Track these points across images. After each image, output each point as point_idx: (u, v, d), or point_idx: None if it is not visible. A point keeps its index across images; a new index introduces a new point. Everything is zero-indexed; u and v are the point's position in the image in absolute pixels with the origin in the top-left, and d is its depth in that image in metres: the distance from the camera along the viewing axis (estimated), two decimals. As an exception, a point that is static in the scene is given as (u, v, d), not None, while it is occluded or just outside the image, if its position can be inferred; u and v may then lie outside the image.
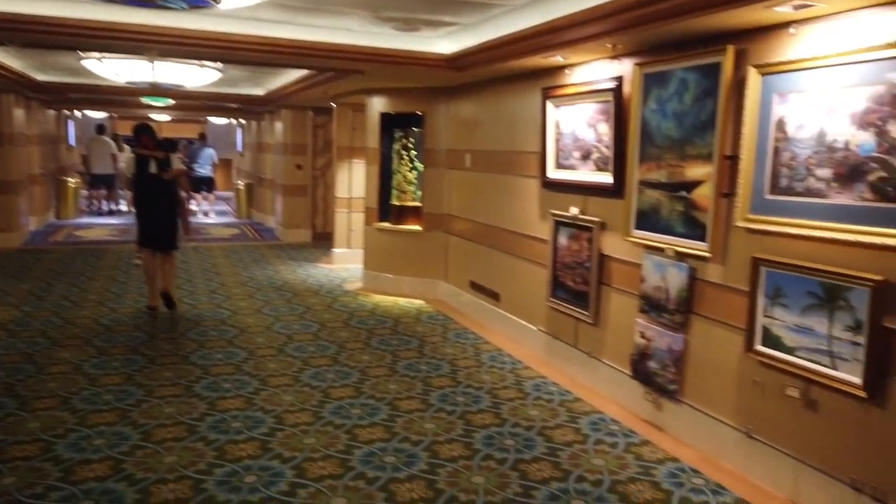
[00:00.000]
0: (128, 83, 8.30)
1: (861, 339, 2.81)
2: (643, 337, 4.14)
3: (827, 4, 2.86)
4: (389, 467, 3.44)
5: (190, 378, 4.68)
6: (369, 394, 4.49)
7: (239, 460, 3.48)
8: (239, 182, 15.60)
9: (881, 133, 2.73)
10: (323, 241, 11.09)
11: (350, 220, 9.48)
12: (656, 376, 4.03)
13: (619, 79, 4.29)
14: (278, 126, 11.83)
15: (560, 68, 4.98)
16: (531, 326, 5.55)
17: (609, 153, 4.46)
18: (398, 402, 4.34)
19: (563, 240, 5.02)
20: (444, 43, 5.59)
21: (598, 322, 4.67)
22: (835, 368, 2.93)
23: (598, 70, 4.59)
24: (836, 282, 2.91)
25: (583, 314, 4.78)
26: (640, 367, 4.17)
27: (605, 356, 4.61)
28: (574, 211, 4.88)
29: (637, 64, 4.08)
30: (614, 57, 4.38)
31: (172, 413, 4.06)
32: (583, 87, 4.70)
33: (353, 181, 9.42)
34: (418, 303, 7.23)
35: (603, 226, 4.59)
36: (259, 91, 10.81)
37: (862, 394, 2.81)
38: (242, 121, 15.78)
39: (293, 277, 8.46)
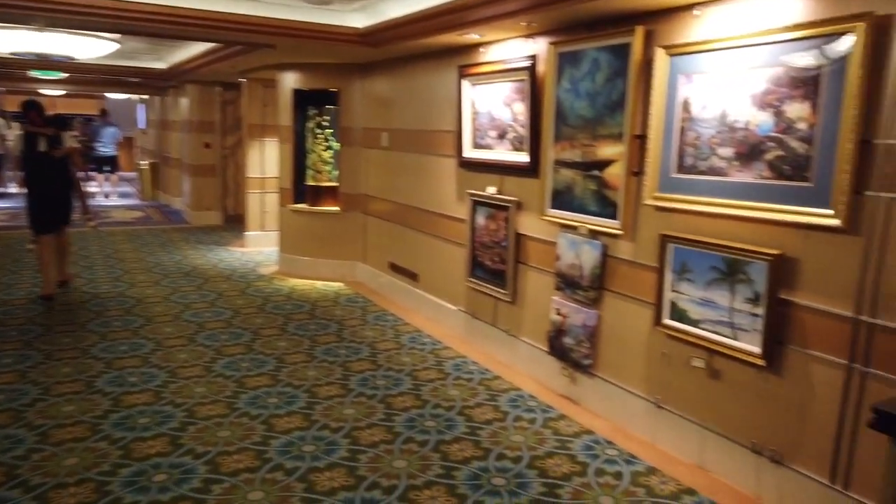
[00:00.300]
0: (12, 54, 7.61)
1: (759, 311, 2.96)
2: (559, 314, 4.22)
3: (728, -12, 2.94)
4: (308, 457, 3.36)
5: (91, 373, 4.40)
6: (286, 381, 4.37)
7: (147, 458, 3.30)
8: (142, 162, 14.77)
9: (778, 113, 2.86)
10: (235, 223, 10.69)
11: (263, 202, 9.16)
12: (572, 352, 4.13)
13: (534, 58, 4.31)
14: (183, 102, 11.23)
15: (476, 46, 4.94)
16: (451, 306, 5.56)
17: (525, 132, 4.49)
18: (317, 389, 4.25)
19: (480, 219, 5.03)
20: (357, 17, 5.43)
21: (515, 300, 4.73)
22: (736, 339, 3.08)
23: (513, 49, 4.58)
24: (737, 256, 3.05)
25: (501, 293, 4.83)
26: (557, 344, 4.26)
27: (523, 334, 4.68)
28: (491, 190, 4.89)
29: (551, 43, 4.10)
30: (529, 35, 4.39)
31: (72, 412, 3.81)
32: (498, 65, 4.69)
33: (266, 161, 9.09)
34: (336, 285, 7.10)
35: (519, 205, 4.62)
36: (161, 65, 10.21)
37: (761, 362, 2.97)
38: (144, 96, 14.89)
39: (203, 262, 8.10)
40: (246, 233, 9.22)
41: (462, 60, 5.11)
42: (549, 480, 3.19)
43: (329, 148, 7.44)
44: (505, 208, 4.73)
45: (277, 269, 7.73)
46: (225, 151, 11.04)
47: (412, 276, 6.22)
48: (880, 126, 2.53)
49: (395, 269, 6.53)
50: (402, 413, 3.92)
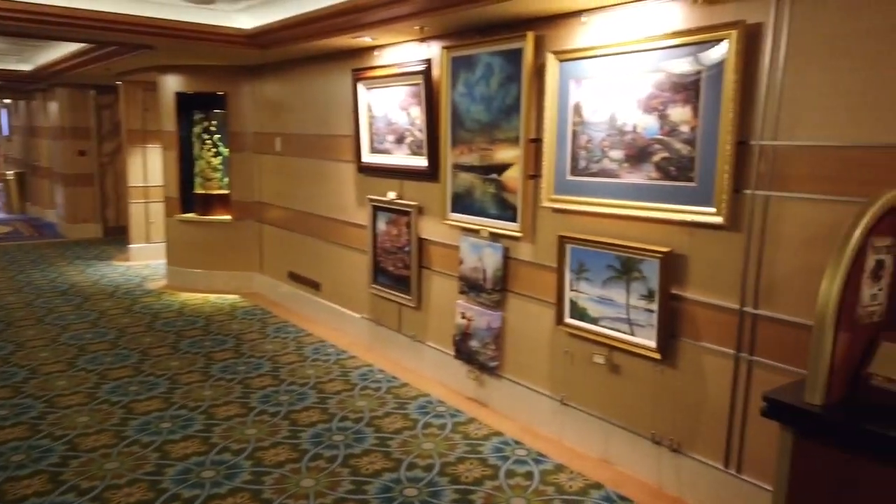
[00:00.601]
0: None
1: (654, 307, 3.09)
2: (464, 317, 4.23)
3: (614, -4, 3.05)
4: (208, 483, 3.16)
5: (-49, 410, 3.94)
6: (181, 404, 4.10)
7: (23, 500, 2.98)
8: (7, 172, 13.50)
9: (663, 117, 3.00)
10: (117, 235, 9.99)
11: (148, 212, 8.61)
12: (478, 354, 4.15)
13: (429, 62, 4.29)
14: (53, 107, 10.35)
15: (370, 49, 4.86)
16: (354, 314, 5.45)
17: (423, 137, 4.46)
18: (214, 410, 4.02)
19: (382, 225, 4.96)
20: (244, 18, 5.20)
21: (420, 306, 4.70)
22: (633, 334, 3.20)
23: (408, 52, 4.54)
24: (631, 255, 3.17)
25: (405, 299, 4.78)
26: (463, 347, 4.26)
27: (429, 339, 4.65)
28: (391, 195, 4.83)
29: (445, 47, 4.09)
30: (423, 40, 4.37)
31: (-72, 456, 3.39)
32: (393, 69, 4.63)
33: (149, 168, 8.55)
34: (232, 298, 6.78)
35: (421, 210, 4.60)
36: (26, 66, 9.35)
37: (657, 356, 3.10)
38: (7, 100, 13.62)
39: (82, 279, 7.50)
40: (130, 245, 8.62)
41: (356, 64, 5.02)
42: (462, 486, 3.18)
43: (218, 154, 7.09)
44: (406, 213, 4.68)
45: (166, 283, 7.28)
46: (103, 159, 10.28)
47: (313, 286, 6.04)
48: (755, 128, 2.70)
49: (296, 278, 6.32)
50: (308, 429, 3.78)
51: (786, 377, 2.56)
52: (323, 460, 3.42)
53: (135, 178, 8.57)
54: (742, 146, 2.72)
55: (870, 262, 1.96)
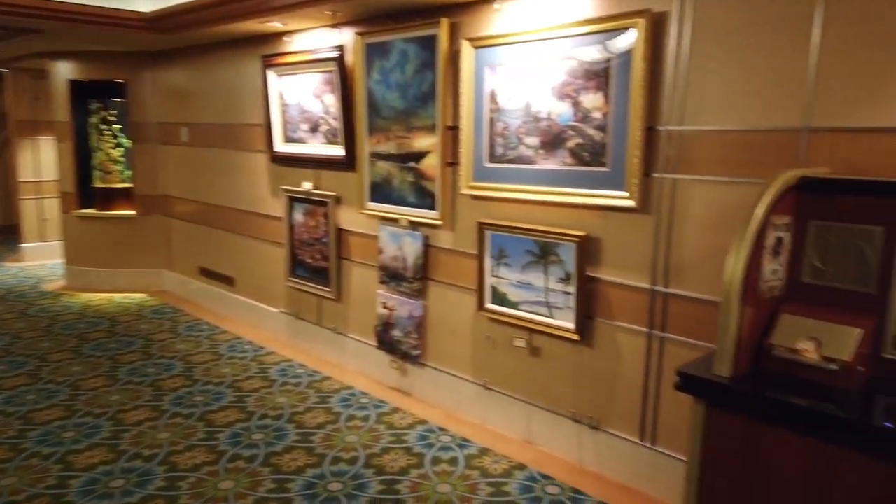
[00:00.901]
0: None
1: (571, 289, 3.16)
2: (385, 307, 4.19)
3: (526, -16, 3.07)
4: (118, 493, 2.99)
5: None
6: (85, 411, 3.85)
7: None
8: None
9: (576, 104, 3.06)
10: (7, 234, 9.25)
11: (42, 208, 8.03)
12: (400, 344, 4.12)
13: (342, 48, 4.19)
14: (-73, 95, 9.44)
15: (280, 35, 4.70)
16: (272, 309, 5.29)
17: (338, 125, 4.37)
18: (123, 415, 3.80)
19: (298, 216, 4.83)
20: (143, 1, 4.90)
21: (340, 297, 4.62)
22: (552, 317, 3.27)
23: (320, 39, 4.42)
24: (548, 239, 3.23)
25: (325, 290, 4.68)
26: (385, 337, 4.22)
27: (351, 330, 4.58)
28: (307, 186, 4.71)
29: (358, 33, 4.01)
30: (335, 25, 4.26)
31: None
32: (305, 55, 4.50)
33: (42, 162, 7.97)
34: (139, 297, 6.43)
35: (338, 199, 4.50)
36: None
37: (575, 336, 3.17)
38: None
39: (-31, 282, 6.91)
40: (22, 245, 8.02)
41: (266, 50, 4.84)
42: (387, 477, 3.15)
43: (119, 145, 6.68)
44: (323, 203, 4.58)
45: (65, 284, 6.82)
46: (-12, 152, 9.48)
47: (227, 281, 5.82)
48: (662, 114, 2.79)
49: (208, 274, 6.06)
50: (226, 429, 3.64)
51: (695, 352, 2.68)
52: (242, 460, 3.30)
53: (25, 172, 7.96)
54: (651, 131, 2.82)
55: (770, 240, 2.07)
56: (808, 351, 1.98)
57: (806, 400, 1.86)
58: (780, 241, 2.12)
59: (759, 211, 1.99)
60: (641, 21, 2.74)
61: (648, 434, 3.02)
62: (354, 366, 4.55)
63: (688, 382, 2.06)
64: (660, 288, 2.88)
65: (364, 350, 4.44)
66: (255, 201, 5.31)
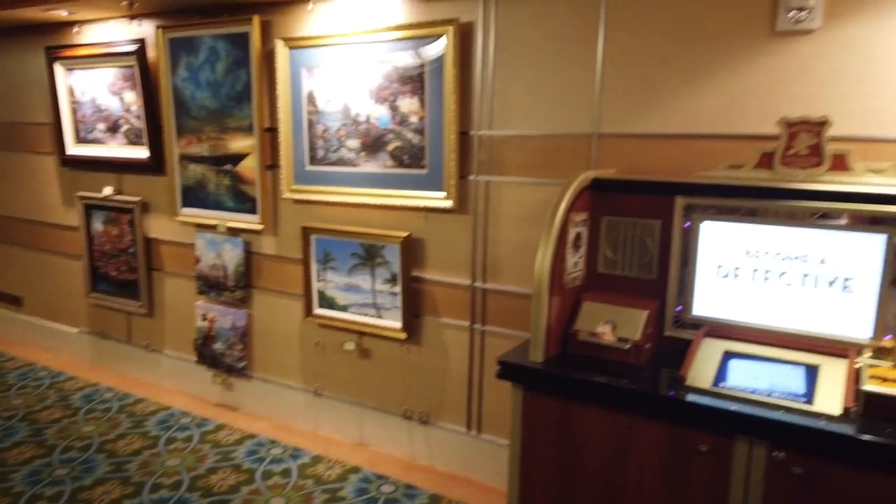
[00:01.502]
0: None
1: (397, 289, 3.23)
2: (206, 319, 3.96)
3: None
4: None
5: None
6: None
7: None
8: None
9: (394, 108, 3.12)
10: None
11: None
12: (224, 357, 3.93)
13: (143, 42, 3.88)
14: None
15: (68, 25, 4.23)
16: (70, 329, 4.76)
17: (141, 125, 4.04)
18: None
19: (98, 225, 4.39)
20: None
21: (153, 311, 4.28)
22: (381, 318, 3.31)
23: (115, 31, 4.05)
24: (374, 241, 3.26)
25: (134, 305, 4.31)
26: (206, 351, 3.99)
27: (167, 347, 4.27)
28: (108, 191, 4.30)
29: (160, 27, 3.74)
30: (133, 17, 3.93)
31: None
32: (99, 48, 4.10)
33: None
34: None
35: (145, 206, 4.17)
36: None
37: (403, 335, 3.25)
38: None
39: None
40: None
41: (52, 41, 4.33)
42: (216, 498, 3.00)
43: None
44: (128, 211, 4.21)
45: None
46: None
47: (14, 301, 5.13)
48: (474, 119, 2.95)
49: (-12, 294, 5.30)
50: (22, 467, 3.22)
51: (513, 342, 2.87)
52: (44, 501, 2.94)
53: None
54: (464, 136, 2.96)
55: (571, 235, 2.29)
56: (606, 333, 2.22)
57: (605, 377, 2.08)
58: (579, 236, 2.35)
59: (560, 209, 2.19)
60: (450, 29, 2.86)
61: (475, 423, 3.18)
62: (172, 384, 4.24)
63: (507, 370, 2.21)
64: (479, 284, 3.04)
65: (183, 366, 4.16)
66: (45, 209, 4.74)
